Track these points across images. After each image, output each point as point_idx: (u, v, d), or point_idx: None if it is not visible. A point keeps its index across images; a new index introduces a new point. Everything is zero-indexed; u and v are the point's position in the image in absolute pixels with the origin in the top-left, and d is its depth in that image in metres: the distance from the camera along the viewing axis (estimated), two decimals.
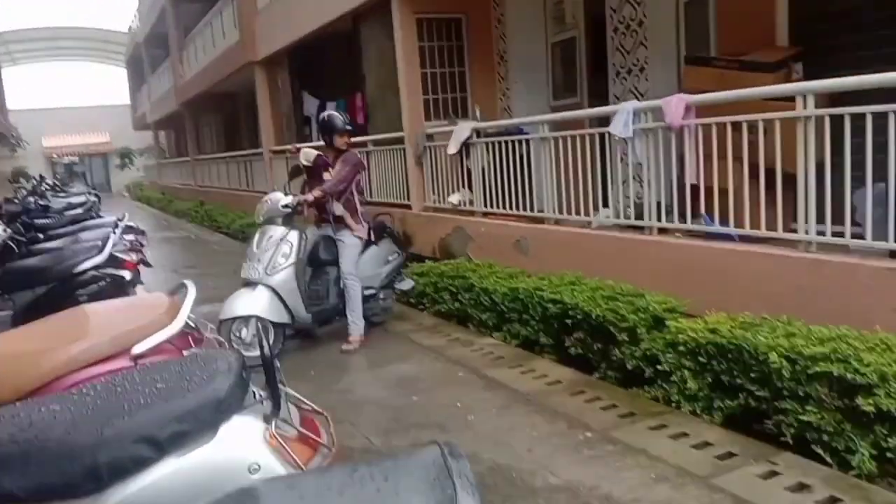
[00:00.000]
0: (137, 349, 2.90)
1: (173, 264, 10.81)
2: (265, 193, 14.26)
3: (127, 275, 5.76)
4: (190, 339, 3.10)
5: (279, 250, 5.44)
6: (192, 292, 3.11)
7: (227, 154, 18.24)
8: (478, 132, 6.88)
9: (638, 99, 6.08)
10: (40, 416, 1.98)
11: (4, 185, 22.74)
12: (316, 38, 11.01)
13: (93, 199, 12.89)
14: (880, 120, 3.52)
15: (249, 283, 5.44)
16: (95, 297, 5.20)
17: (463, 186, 7.19)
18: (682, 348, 3.90)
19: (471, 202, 7.06)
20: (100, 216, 9.61)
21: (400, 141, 8.13)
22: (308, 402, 2.32)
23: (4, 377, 2.64)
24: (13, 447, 1.89)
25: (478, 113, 7.44)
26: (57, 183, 19.10)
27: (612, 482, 3.19)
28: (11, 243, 6.45)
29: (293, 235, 5.55)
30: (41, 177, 19.67)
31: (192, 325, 3.16)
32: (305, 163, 5.93)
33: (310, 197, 5.65)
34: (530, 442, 3.69)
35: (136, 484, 1.89)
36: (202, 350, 2.75)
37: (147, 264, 6.73)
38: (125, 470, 1.89)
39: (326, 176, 5.82)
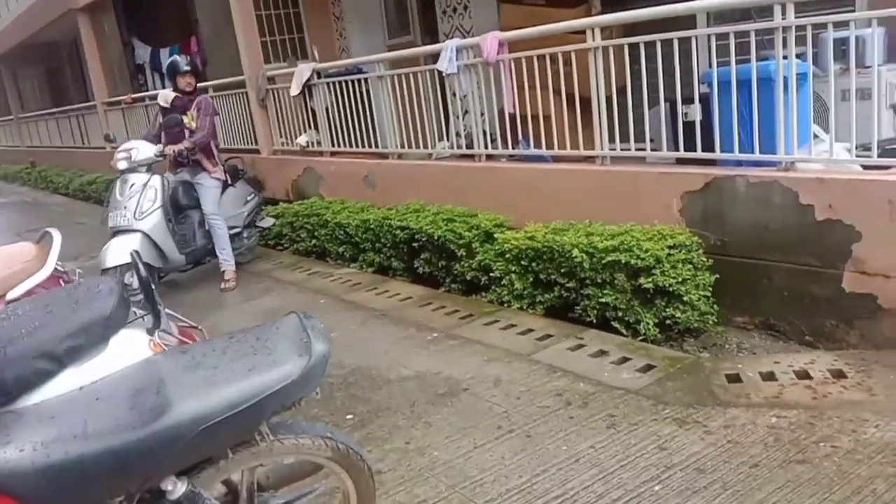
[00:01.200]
0: (11, 294, 3.14)
1: (15, 229, 10.37)
2: (102, 149, 13.74)
3: None
4: (60, 282, 3.36)
5: (145, 196, 5.58)
6: (57, 239, 3.36)
7: (56, 110, 17.16)
8: (318, 73, 7.15)
9: (463, 36, 6.59)
10: None
11: None
12: None
13: None
14: (666, 47, 4.15)
15: (119, 232, 5.54)
16: None
17: (310, 128, 7.48)
18: (508, 255, 4.55)
19: (319, 143, 7.38)
20: None
21: (241, 85, 8.22)
22: (184, 318, 2.71)
23: None
24: None
25: (316, 54, 7.68)
26: None
27: (454, 367, 3.81)
28: None
29: (156, 180, 5.70)
30: None
31: (61, 269, 3.41)
32: (164, 104, 6.17)
33: (182, 147, 5.83)
34: (386, 347, 4.24)
35: (41, 394, 2.23)
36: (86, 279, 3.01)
37: None
38: (30, 383, 2.22)
39: (184, 119, 6.04)
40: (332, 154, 7.22)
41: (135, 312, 2.48)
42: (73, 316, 2.32)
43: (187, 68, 6.16)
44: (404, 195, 6.01)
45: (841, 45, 3.86)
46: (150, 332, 2.43)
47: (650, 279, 3.83)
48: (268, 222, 6.91)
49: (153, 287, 2.47)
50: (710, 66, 4.12)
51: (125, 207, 5.54)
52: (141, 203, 5.55)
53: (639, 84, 4.34)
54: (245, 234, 6.54)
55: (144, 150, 5.75)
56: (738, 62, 3.92)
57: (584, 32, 4.68)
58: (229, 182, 6.30)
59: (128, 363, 2.28)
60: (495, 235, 4.82)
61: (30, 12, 15.31)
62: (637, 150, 4.51)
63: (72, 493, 1.53)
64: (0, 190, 17.27)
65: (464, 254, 4.98)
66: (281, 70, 7.98)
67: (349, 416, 3.40)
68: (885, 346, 3.46)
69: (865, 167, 3.65)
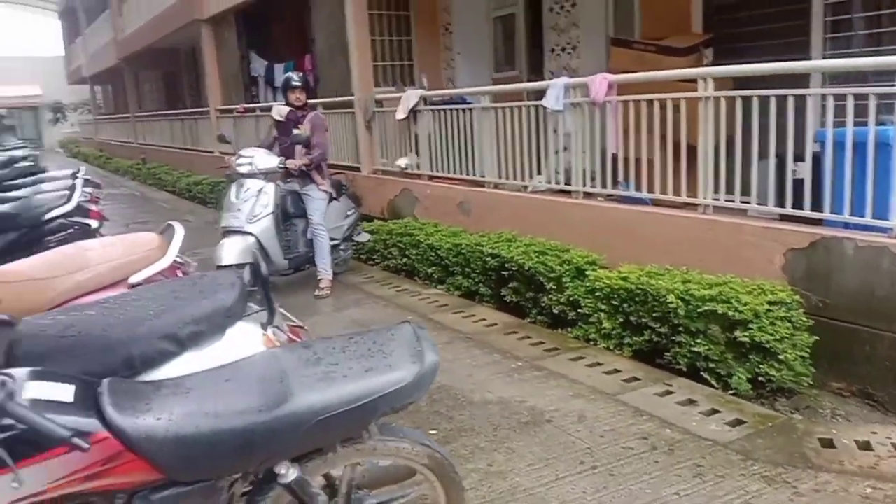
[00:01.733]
0: (134, 279, 3.38)
1: (124, 219, 11.00)
2: (210, 153, 14.42)
3: (93, 223, 6.13)
4: (179, 273, 3.59)
5: (259, 201, 5.86)
6: (180, 232, 3.59)
7: (170, 112, 18.16)
8: (425, 100, 7.37)
9: (570, 75, 6.66)
10: (79, 319, 2.47)
11: None
12: None
13: (36, 153, 12.92)
14: (780, 102, 4.13)
15: (230, 232, 5.84)
16: (63, 243, 5.56)
17: (410, 151, 7.70)
18: (598, 294, 4.56)
19: (418, 166, 7.57)
20: (43, 169, 9.78)
21: (350, 105, 8.55)
22: (292, 317, 2.86)
23: (21, 299, 3.09)
24: (62, 341, 2.38)
25: (425, 81, 7.92)
26: None
27: (537, 398, 3.84)
28: None
29: (270, 187, 5.99)
30: None
31: (180, 260, 3.64)
32: (278, 117, 6.45)
33: (301, 163, 6.17)
34: (470, 370, 4.31)
35: (161, 373, 2.40)
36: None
37: (103, 217, 7.07)
38: (153, 361, 2.40)
39: (296, 130, 6.29)
40: (430, 178, 7.39)
41: (251, 307, 2.64)
42: (198, 304, 2.49)
43: (299, 84, 6.44)
44: (497, 224, 6.10)
45: None
46: (264, 326, 2.58)
47: (747, 333, 3.77)
48: (364, 237, 7.15)
49: (269, 285, 2.62)
50: (821, 125, 4.07)
51: (239, 210, 5.83)
52: (254, 207, 5.83)
53: (748, 136, 4.31)
54: (342, 247, 6.78)
55: (267, 159, 6.06)
56: (856, 124, 3.85)
57: (694, 81, 4.69)
58: (334, 196, 6.55)
59: (242, 353, 2.44)
60: (587, 272, 4.83)
61: (157, 20, 16.34)
62: (742, 202, 4.45)
63: (199, 464, 1.66)
64: (111, 182, 18.32)
65: (553, 287, 5.00)
66: (389, 94, 8.25)
67: (433, 431, 3.47)
68: None
69: None
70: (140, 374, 2.38)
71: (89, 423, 1.60)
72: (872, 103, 3.75)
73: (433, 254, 6.34)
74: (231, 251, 5.67)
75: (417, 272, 6.60)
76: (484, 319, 5.35)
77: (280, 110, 6.50)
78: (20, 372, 1.68)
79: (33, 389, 1.59)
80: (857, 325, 3.79)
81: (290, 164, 6.11)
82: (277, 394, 1.70)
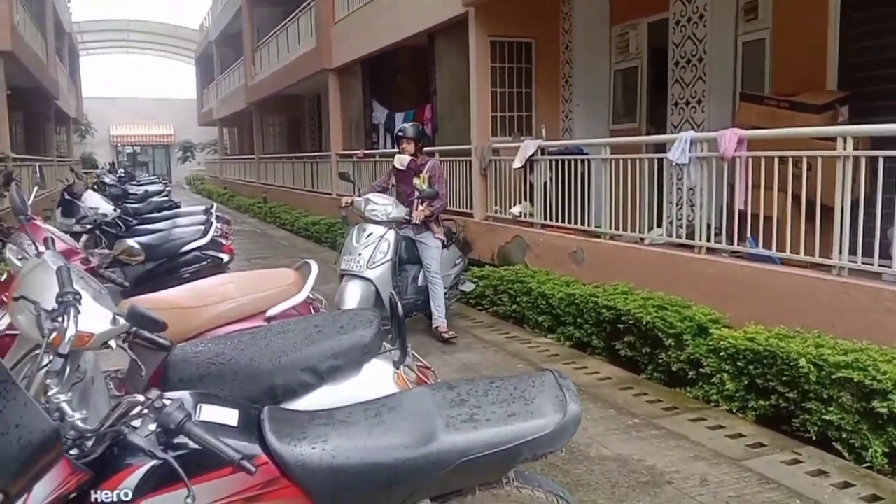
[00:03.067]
0: (271, 312, 3.56)
1: (246, 254, 11.57)
2: (329, 195, 15.00)
3: (225, 257, 6.51)
4: (311, 308, 3.75)
5: (378, 248, 5.88)
6: (314, 269, 3.76)
7: (293, 154, 19.09)
8: (542, 149, 7.45)
9: (694, 129, 6.58)
10: (229, 347, 2.63)
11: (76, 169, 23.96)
12: (390, 50, 11.74)
13: (168, 188, 13.86)
14: None
15: (348, 275, 5.89)
16: (197, 274, 5.92)
17: (524, 199, 7.77)
18: (722, 353, 4.42)
19: (531, 214, 7.63)
20: (177, 204, 10.49)
21: (467, 153, 8.76)
22: (420, 358, 2.93)
23: (171, 326, 3.30)
24: (212, 367, 2.54)
25: (544, 132, 8.01)
26: (129, 171, 20.29)
27: (656, 457, 3.74)
28: (119, 222, 7.27)
29: (391, 235, 5.99)
30: (113, 164, 20.87)
31: (313, 297, 3.81)
32: (399, 166, 6.53)
33: (423, 216, 6.20)
34: (584, 423, 4.21)
35: (300, 403, 2.51)
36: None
37: (233, 252, 7.48)
38: (294, 392, 2.52)
39: (416, 180, 6.40)
40: (543, 226, 7.43)
41: (385, 345, 2.73)
42: (338, 339, 2.61)
43: (407, 135, 6.58)
44: (611, 275, 6.04)
45: None
46: (397, 364, 2.66)
47: (885, 403, 3.55)
48: (469, 287, 7.14)
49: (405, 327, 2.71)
50: None
51: (360, 255, 5.84)
52: (374, 253, 5.85)
53: (889, 198, 4.12)
54: (447, 295, 6.73)
55: (398, 209, 6.11)
56: None
57: (831, 139, 4.55)
58: (445, 244, 6.59)
59: (376, 389, 2.52)
60: (710, 331, 4.70)
61: (287, 68, 17.34)
62: (881, 265, 4.24)
63: (346, 495, 1.73)
64: (234, 219, 19.34)
65: (672, 343, 4.89)
66: (506, 143, 8.40)
67: (554, 482, 3.43)
68: None
69: None
70: (281, 404, 2.51)
71: (252, 447, 1.70)
72: None
73: (544, 302, 6.33)
74: (354, 296, 5.71)
75: (527, 320, 6.59)
76: (597, 372, 5.27)
77: (402, 159, 6.55)
78: (188, 395, 1.81)
79: (205, 412, 1.71)
80: None
81: (416, 216, 6.15)
82: (424, 432, 1.75)
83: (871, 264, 4.26)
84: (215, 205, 8.02)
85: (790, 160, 4.75)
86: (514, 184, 7.97)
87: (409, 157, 6.53)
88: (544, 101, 9.34)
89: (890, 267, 4.19)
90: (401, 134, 6.66)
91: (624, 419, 4.31)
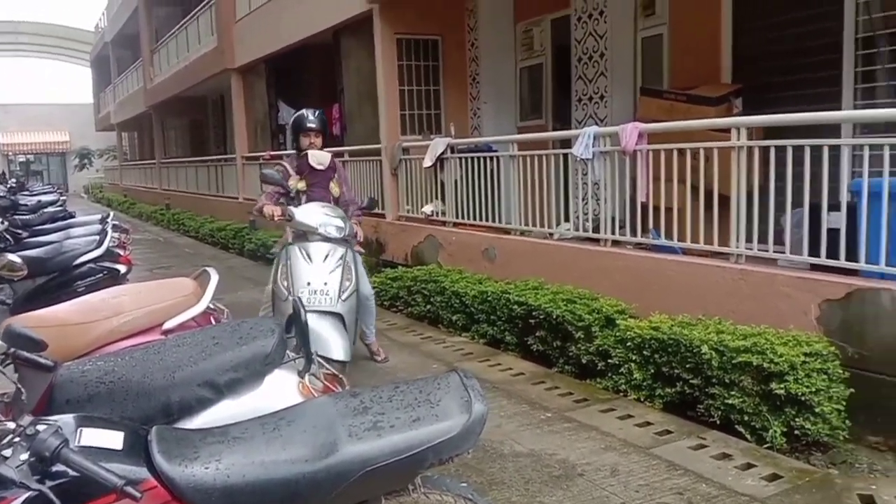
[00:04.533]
0: (168, 325, 3.40)
1: (148, 264, 11.11)
2: (234, 199, 14.50)
3: (122, 268, 6.19)
4: (212, 319, 3.60)
5: (345, 273, 4.54)
6: (214, 278, 3.61)
7: (196, 159, 18.48)
8: (452, 147, 7.45)
9: (597, 124, 6.73)
10: (120, 364, 2.47)
11: None
12: (295, 49, 11.51)
13: (63, 198, 13.16)
14: (813, 152, 4.14)
15: (314, 312, 4.24)
16: (93, 288, 5.60)
17: (436, 198, 7.75)
18: (629, 344, 4.51)
19: (443, 213, 7.61)
20: (71, 214, 9.96)
21: (376, 153, 8.67)
22: (328, 365, 2.84)
23: (58, 344, 3.09)
24: (101, 387, 2.38)
25: (452, 130, 8.01)
26: (20, 181, 19.21)
27: (569, 450, 3.77)
28: (8, 235, 6.82)
29: (351, 255, 4.72)
30: (3, 175, 19.71)
31: (213, 307, 3.66)
32: (317, 166, 5.27)
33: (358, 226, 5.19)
34: (498, 420, 4.25)
35: (199, 420, 2.39)
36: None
37: (132, 263, 7.14)
38: (191, 408, 2.39)
39: (331, 185, 5.35)
40: (455, 225, 7.42)
41: (288, 354, 2.63)
42: (237, 350, 2.49)
43: (315, 126, 5.37)
44: (523, 271, 6.09)
45: None
46: (301, 374, 2.56)
47: (782, 385, 3.69)
48: None
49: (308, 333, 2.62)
50: (854, 174, 4.05)
51: (325, 284, 4.43)
52: (343, 281, 4.50)
53: (781, 185, 4.30)
54: None
55: (349, 224, 4.90)
56: (892, 174, 3.83)
57: (726, 130, 4.71)
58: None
59: (279, 401, 2.42)
60: (617, 322, 4.79)
61: (187, 69, 16.76)
62: (775, 251, 4.42)
63: None
64: (135, 227, 18.58)
65: (581, 336, 4.96)
66: (415, 142, 8.36)
67: (463, 485, 3.40)
68: None
69: None
70: (177, 421, 2.38)
71: (139, 470, 1.59)
72: None
73: (458, 301, 6.32)
74: (339, 344, 4.30)
75: (441, 319, 6.57)
76: (510, 368, 5.30)
77: (320, 157, 5.30)
78: (68, 418, 1.68)
79: (86, 436, 1.59)
80: (894, 377, 3.71)
81: (360, 232, 5.13)
82: (325, 444, 1.68)
83: (767, 251, 4.44)
84: (112, 213, 7.63)
85: (688, 152, 4.89)
86: (425, 183, 7.93)
87: (329, 155, 5.42)
88: (453, 99, 9.36)
89: (783, 252, 4.37)
90: (311, 125, 5.37)
91: (537, 414, 4.34)
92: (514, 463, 3.65)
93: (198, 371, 2.42)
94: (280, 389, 2.49)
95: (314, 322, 3.82)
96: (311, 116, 5.45)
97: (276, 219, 5.08)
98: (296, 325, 2.63)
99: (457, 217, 7.38)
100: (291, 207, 4.89)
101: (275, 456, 1.66)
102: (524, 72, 9.12)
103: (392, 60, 8.53)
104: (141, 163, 26.88)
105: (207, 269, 3.72)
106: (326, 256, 4.57)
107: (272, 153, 12.17)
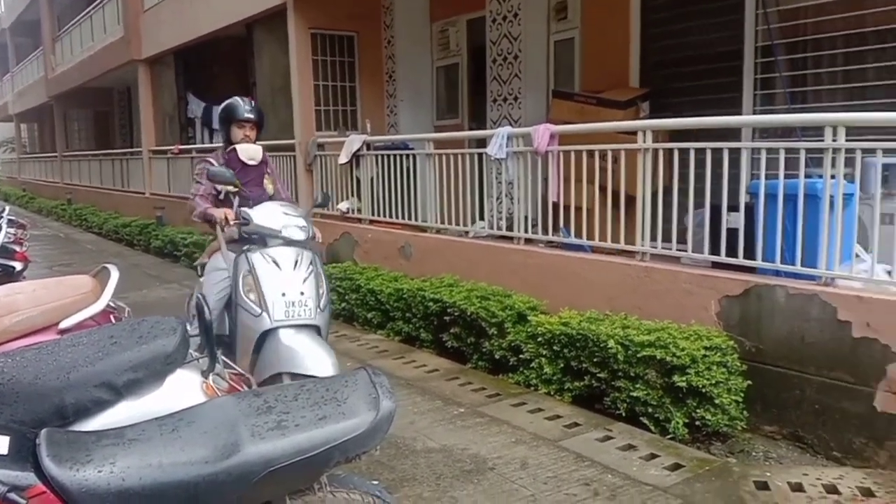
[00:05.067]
0: (64, 324, 3.24)
1: (47, 261, 10.58)
2: (140, 194, 13.98)
3: (18, 265, 5.88)
4: (112, 317, 3.46)
5: (318, 281, 3.91)
6: (115, 275, 3.47)
7: (101, 152, 17.72)
8: (368, 145, 7.40)
9: (512, 125, 6.83)
10: (10, 365, 2.33)
11: None
12: (206, 41, 11.18)
13: None
14: (714, 154, 4.31)
15: (290, 327, 3.75)
16: None
17: (352, 195, 7.69)
18: (540, 339, 4.60)
19: (359, 210, 7.56)
20: None
21: (291, 148, 8.52)
22: (234, 365, 2.78)
23: None
24: None
25: (368, 127, 7.96)
26: None
27: (480, 445, 3.81)
28: None
29: (318, 260, 4.13)
30: None
31: (114, 305, 3.51)
32: (249, 161, 4.60)
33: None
34: (411, 416, 4.26)
35: (96, 422, 2.29)
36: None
37: (28, 259, 6.79)
38: (87, 410, 2.28)
39: (266, 182, 4.72)
40: (371, 222, 7.39)
41: (191, 353, 2.55)
42: (136, 350, 2.40)
43: (252, 116, 4.72)
44: (438, 269, 6.11)
45: (885, 171, 3.98)
46: (205, 374, 2.49)
47: (684, 378, 3.85)
48: None
49: (213, 332, 2.55)
50: (753, 176, 4.26)
51: (302, 294, 3.78)
52: (317, 289, 3.87)
53: (684, 186, 4.47)
54: None
55: (311, 224, 4.28)
56: (786, 176, 4.04)
57: (633, 133, 4.86)
58: None
59: (182, 401, 2.34)
60: (528, 318, 4.88)
61: (92, 59, 16.04)
62: (678, 250, 4.59)
63: None
64: (34, 223, 17.65)
65: (495, 332, 5.02)
66: (331, 139, 8.27)
67: (374, 482, 3.39)
68: None
69: None
70: (73, 424, 2.27)
71: (25, 476, 1.51)
72: (802, 157, 3.96)
73: (373, 298, 6.29)
74: (326, 359, 3.60)
75: (357, 317, 6.53)
76: (425, 365, 5.31)
77: (252, 151, 4.63)
78: None
79: None
80: (788, 369, 3.92)
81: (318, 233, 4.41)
82: (226, 444, 1.63)
83: (670, 249, 4.61)
84: (7, 208, 7.24)
85: (597, 153, 5.03)
86: (340, 179, 7.85)
87: (260, 149, 4.73)
88: (369, 96, 9.29)
89: (686, 251, 4.55)
90: (247, 116, 4.66)
91: (450, 409, 4.37)
92: (426, 459, 3.66)
93: (94, 372, 2.32)
94: (182, 390, 2.41)
95: (290, 337, 3.67)
96: (246, 105, 4.76)
97: (230, 223, 4.18)
98: (199, 323, 2.56)
99: (373, 214, 7.35)
100: (246, 209, 4.12)
101: (173, 458, 1.60)
102: (441, 71, 9.15)
103: (307, 55, 8.41)
104: (42, 155, 25.58)
105: (107, 265, 3.57)
106: (296, 263, 3.90)
107: (181, 146, 11.81)
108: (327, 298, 3.95)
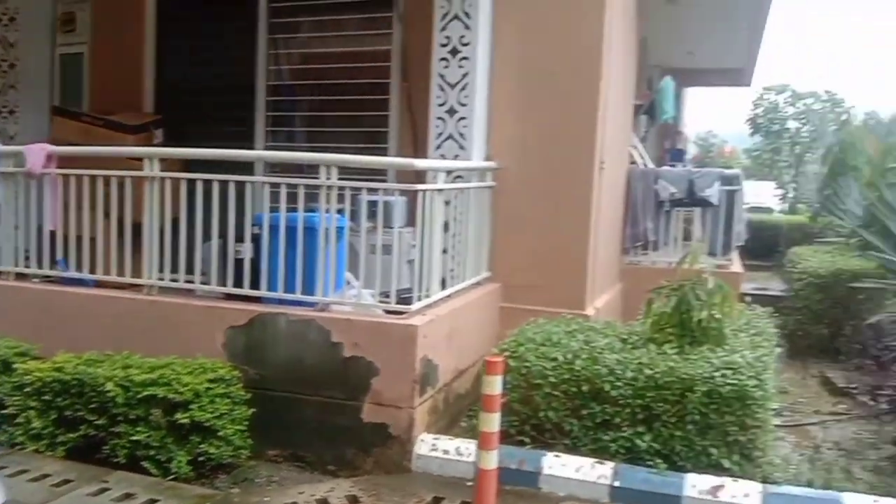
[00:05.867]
0: None
1: None
2: None
3: None
4: None
5: None
6: None
7: None
8: None
9: (4, 142, 5.98)
10: None
11: None
12: None
13: None
14: (224, 186, 4.28)
15: None
16: None
17: None
18: (28, 389, 4.02)
19: None
20: None
21: None
22: None
23: None
24: None
25: None
26: None
27: None
28: None
29: None
30: None
31: None
32: None
33: None
34: None
35: None
36: None
37: None
38: None
39: None
40: None
41: None
42: None
43: None
44: None
45: (371, 207, 4.48)
46: None
47: (187, 414, 3.73)
48: None
49: None
50: (265, 209, 4.39)
51: None
52: None
53: (193, 217, 4.38)
54: None
55: None
56: (289, 210, 4.24)
57: (141, 159, 4.62)
58: None
59: None
60: (15, 366, 4.23)
61: None
62: (187, 281, 4.48)
63: None
64: None
65: None
66: None
67: None
68: (394, 471, 3.88)
69: (387, 311, 4.18)
70: None
71: None
72: (302, 193, 4.20)
73: None
74: None
75: None
76: None
77: None
78: None
79: None
80: (291, 392, 4.11)
81: None
82: None
83: (177, 281, 4.47)
84: None
85: (100, 179, 4.64)
86: None
87: None
88: None
89: (193, 282, 4.46)
90: None
91: None
92: None
93: None
94: None
95: None
96: None
97: None
98: None
99: None
100: None
101: None
102: None
103: None
104: None
105: None
106: None
107: None
108: None
